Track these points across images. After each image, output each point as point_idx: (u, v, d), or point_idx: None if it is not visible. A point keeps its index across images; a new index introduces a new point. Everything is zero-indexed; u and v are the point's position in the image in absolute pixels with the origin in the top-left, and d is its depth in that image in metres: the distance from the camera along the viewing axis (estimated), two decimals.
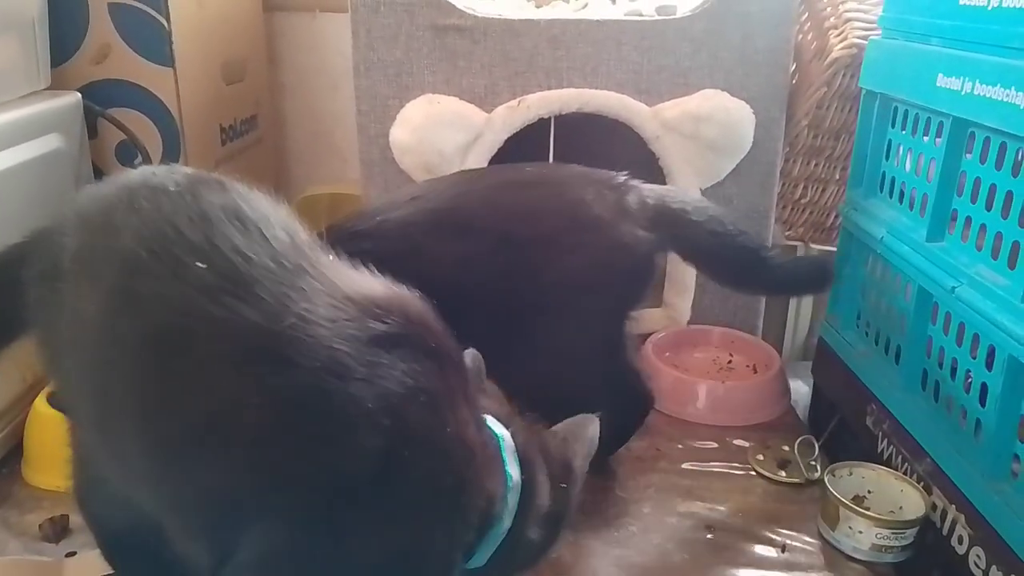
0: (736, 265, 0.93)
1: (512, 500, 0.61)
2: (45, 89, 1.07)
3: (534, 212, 0.86)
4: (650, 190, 0.91)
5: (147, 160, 1.15)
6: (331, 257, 0.61)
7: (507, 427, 0.64)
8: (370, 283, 0.61)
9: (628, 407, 0.95)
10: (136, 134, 1.15)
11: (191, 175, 0.63)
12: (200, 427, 0.53)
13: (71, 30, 1.12)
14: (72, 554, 0.81)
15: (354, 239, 0.80)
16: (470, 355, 0.68)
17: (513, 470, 0.62)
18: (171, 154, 1.18)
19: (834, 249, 1.15)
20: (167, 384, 0.54)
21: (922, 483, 0.85)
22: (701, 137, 1.15)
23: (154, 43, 1.13)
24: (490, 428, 0.63)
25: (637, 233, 0.86)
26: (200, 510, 0.56)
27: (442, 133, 1.12)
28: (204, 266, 0.54)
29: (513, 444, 0.63)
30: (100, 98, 1.13)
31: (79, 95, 1.09)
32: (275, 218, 0.60)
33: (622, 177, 0.92)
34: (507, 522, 0.61)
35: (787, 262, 0.96)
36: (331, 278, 0.58)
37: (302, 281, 0.56)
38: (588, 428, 0.71)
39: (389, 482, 0.53)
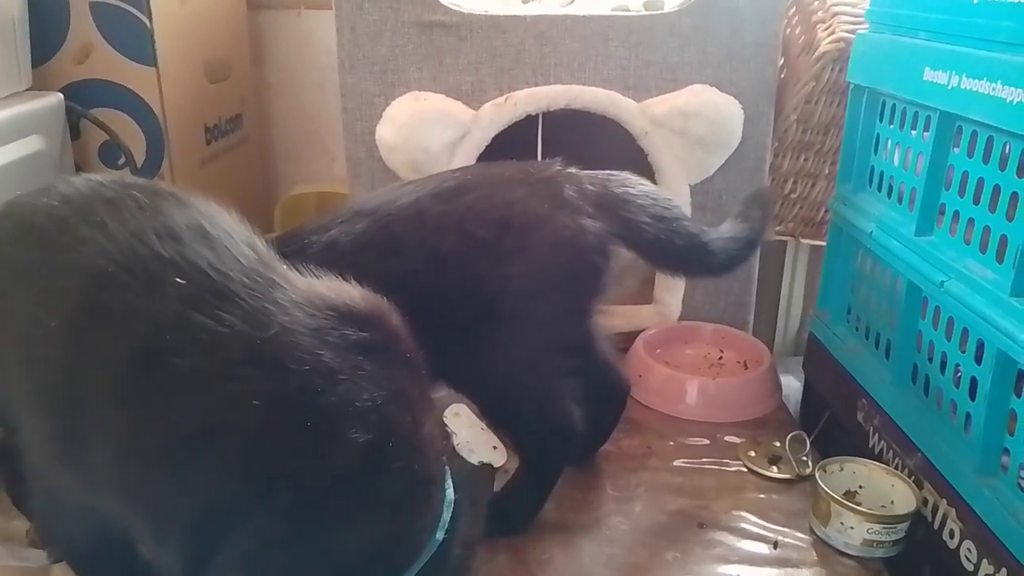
0: (680, 250, 0.89)
1: (446, 515, 0.64)
2: (26, 90, 1.06)
3: (461, 223, 0.80)
4: (589, 177, 0.87)
5: (130, 160, 1.14)
6: (289, 268, 0.63)
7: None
8: (345, 291, 0.62)
9: (605, 401, 0.95)
10: (119, 134, 1.14)
11: (147, 188, 0.62)
12: (192, 435, 0.54)
13: (52, 30, 1.11)
14: (59, 561, 0.80)
15: (302, 256, 0.72)
16: None
17: (448, 487, 0.65)
18: (155, 154, 1.17)
19: (824, 244, 1.15)
20: (155, 396, 0.55)
21: (913, 478, 0.85)
22: (690, 133, 1.14)
23: (136, 42, 1.12)
24: None
25: (580, 224, 0.81)
26: (183, 515, 0.56)
27: (428, 131, 1.11)
28: (183, 281, 0.55)
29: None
30: (82, 98, 1.13)
31: (61, 96, 1.08)
32: (237, 233, 0.62)
33: (556, 167, 0.87)
34: (440, 535, 0.63)
35: (724, 243, 0.92)
36: (304, 289, 0.60)
37: (277, 293, 0.58)
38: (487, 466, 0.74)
39: (375, 472, 0.57)
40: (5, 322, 0.59)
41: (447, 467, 0.66)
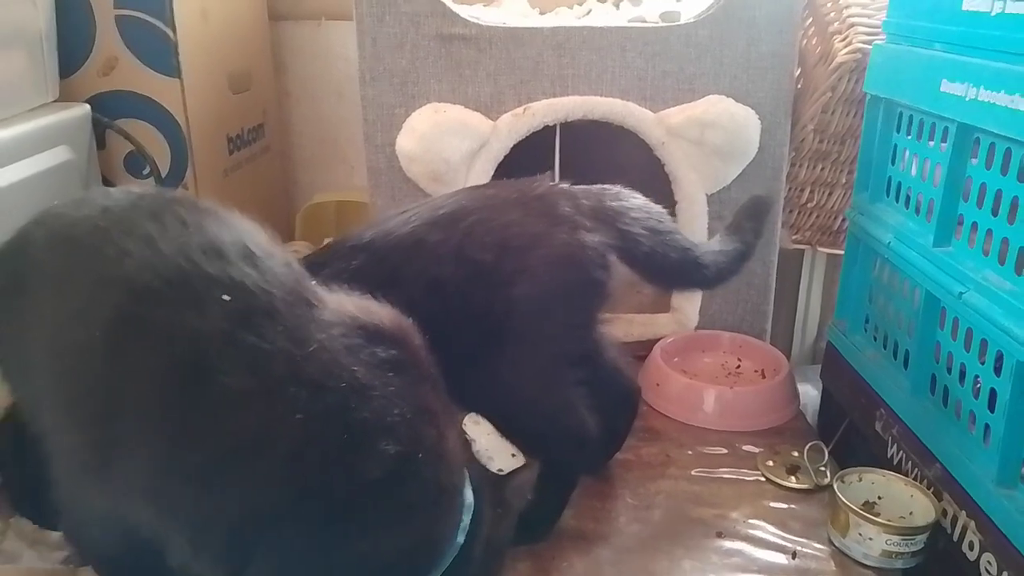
0: (674, 264, 0.89)
1: (466, 519, 0.65)
2: (54, 101, 1.08)
3: (460, 249, 0.80)
4: (584, 192, 0.87)
5: (155, 170, 1.16)
6: (319, 286, 0.65)
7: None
8: (373, 310, 0.64)
9: (616, 407, 0.95)
10: (144, 145, 1.16)
11: (188, 203, 0.63)
12: (234, 450, 0.56)
13: (78, 42, 1.13)
14: (85, 564, 0.82)
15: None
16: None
17: (467, 492, 0.67)
18: (179, 164, 1.19)
19: (842, 252, 1.15)
20: (197, 412, 0.56)
21: (932, 489, 0.85)
22: (707, 143, 1.15)
23: (160, 54, 1.14)
24: None
25: (579, 238, 0.82)
26: (221, 527, 0.58)
27: (448, 141, 1.12)
28: (227, 298, 0.57)
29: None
30: (108, 109, 1.14)
31: (88, 107, 1.10)
32: (275, 251, 0.63)
33: (548, 183, 0.87)
34: (460, 538, 0.65)
35: (715, 256, 0.93)
36: (335, 307, 0.62)
37: (313, 311, 0.60)
38: (524, 471, 0.75)
39: (404, 483, 0.59)
40: (38, 331, 0.60)
41: (467, 473, 0.67)
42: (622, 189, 0.90)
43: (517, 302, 0.79)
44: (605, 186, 0.89)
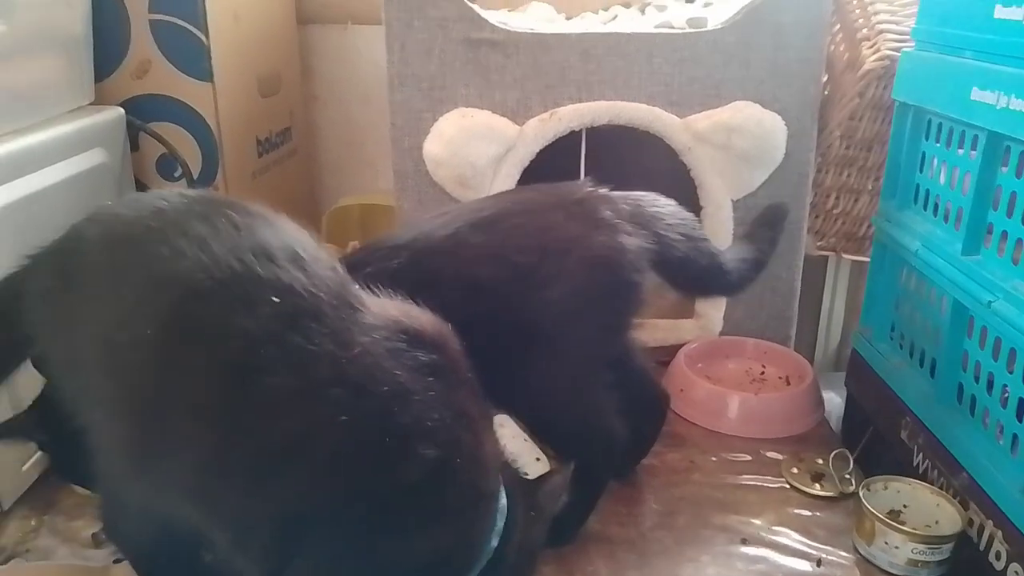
0: (703, 270, 0.90)
1: (500, 522, 0.66)
2: (89, 104, 1.10)
3: (500, 252, 0.81)
4: (622, 196, 0.88)
5: (187, 173, 1.18)
6: (361, 289, 0.66)
7: None
8: (414, 314, 0.66)
9: (645, 413, 0.96)
10: (176, 147, 1.17)
11: (238, 208, 0.64)
12: (279, 450, 0.57)
13: (113, 46, 1.15)
14: (119, 560, 0.83)
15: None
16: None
17: (501, 496, 0.67)
18: (209, 167, 1.20)
19: (867, 259, 1.15)
20: (245, 411, 0.57)
21: (958, 498, 0.84)
22: (733, 148, 1.15)
23: (193, 58, 1.16)
24: None
25: (619, 242, 0.82)
26: (265, 525, 0.59)
27: (475, 146, 1.13)
28: (278, 300, 0.57)
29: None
30: (141, 112, 1.16)
31: (122, 110, 1.12)
32: (321, 256, 0.64)
33: (587, 188, 0.88)
34: (494, 542, 0.66)
35: (736, 264, 0.93)
36: (378, 311, 0.63)
37: (357, 315, 0.61)
38: (556, 475, 0.75)
39: (443, 486, 0.60)
40: (90, 326, 0.61)
41: (500, 477, 0.68)
42: (658, 195, 0.91)
43: (555, 304, 0.80)
44: (640, 192, 0.90)
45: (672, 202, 0.92)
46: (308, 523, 0.58)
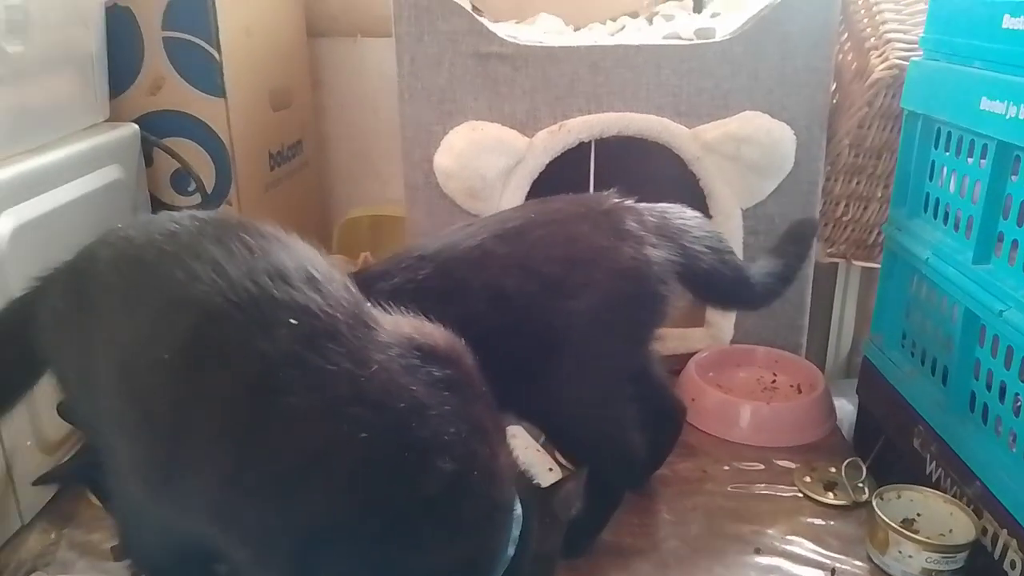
0: (728, 283, 0.91)
1: (515, 531, 0.67)
2: (104, 121, 1.11)
3: (526, 262, 0.81)
4: (648, 208, 0.88)
5: (201, 187, 1.19)
6: (374, 307, 0.67)
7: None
8: (427, 330, 0.66)
9: (661, 425, 0.96)
10: (190, 162, 1.19)
11: (251, 229, 0.65)
12: (299, 468, 0.58)
13: (127, 63, 1.16)
14: (137, 574, 0.84)
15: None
16: None
17: (516, 506, 0.68)
18: (223, 181, 1.21)
19: (877, 266, 1.15)
20: (264, 431, 0.58)
21: (972, 507, 0.84)
22: (742, 158, 1.16)
23: (206, 74, 1.17)
24: None
25: (645, 254, 0.83)
26: (284, 541, 0.60)
27: (484, 158, 1.14)
28: (294, 322, 0.58)
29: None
30: (155, 128, 1.18)
31: (136, 126, 1.14)
32: (335, 276, 0.65)
33: (613, 200, 0.88)
34: (510, 551, 0.67)
35: (763, 278, 0.94)
36: (392, 328, 0.64)
37: (371, 333, 0.62)
38: (569, 483, 0.75)
39: (459, 499, 0.61)
40: (106, 349, 0.62)
41: (515, 487, 0.69)
42: (683, 208, 0.91)
43: (580, 315, 0.80)
44: (666, 204, 0.91)
45: (697, 214, 0.92)
46: (328, 539, 0.59)
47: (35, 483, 0.88)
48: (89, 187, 1.00)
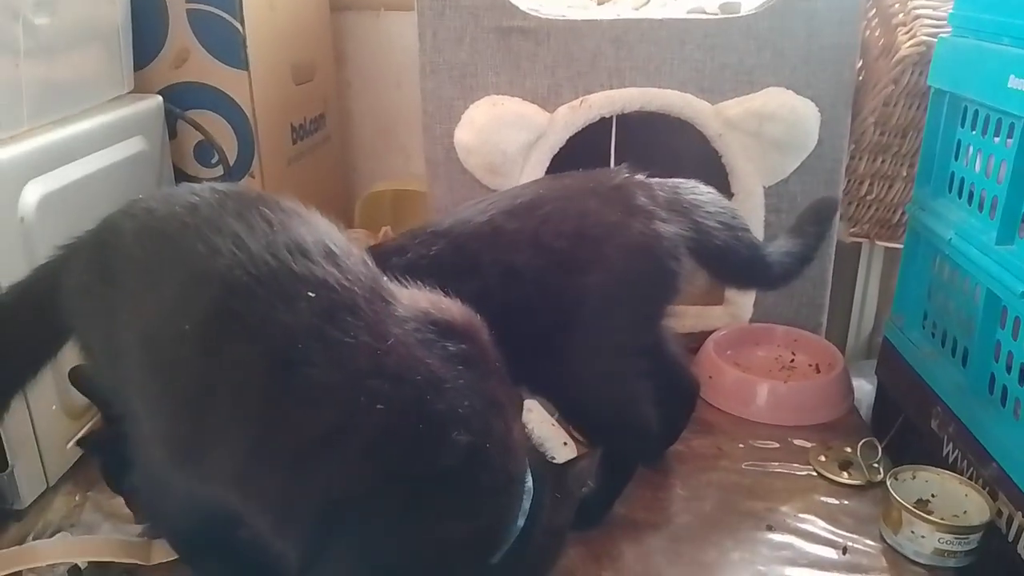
0: (743, 261, 0.90)
1: (526, 503, 0.68)
2: (129, 93, 1.12)
3: (536, 237, 0.81)
4: (660, 183, 0.87)
5: (223, 160, 1.20)
6: (391, 281, 0.67)
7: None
8: (444, 305, 0.67)
9: (676, 401, 0.96)
10: (213, 135, 1.20)
11: (271, 203, 0.65)
12: (320, 439, 0.59)
13: (152, 36, 1.17)
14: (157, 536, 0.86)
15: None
16: None
17: (527, 478, 0.69)
18: (245, 154, 1.22)
19: (900, 246, 1.14)
20: (287, 402, 0.59)
21: (987, 488, 0.84)
22: (765, 135, 1.15)
23: (230, 47, 1.18)
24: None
25: (655, 229, 0.82)
26: (305, 510, 0.61)
27: (505, 134, 1.14)
28: (313, 295, 0.59)
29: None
30: (179, 101, 1.19)
31: (160, 99, 1.15)
32: (353, 250, 0.66)
33: (624, 175, 0.87)
34: (520, 522, 0.67)
35: (780, 257, 0.93)
36: (409, 303, 0.65)
37: (389, 307, 0.63)
38: (583, 460, 0.76)
39: (474, 470, 0.62)
40: (130, 321, 0.63)
41: (527, 460, 0.70)
42: (697, 183, 0.90)
43: (590, 290, 0.80)
44: (679, 180, 0.90)
45: (712, 190, 0.91)
46: (345, 507, 0.60)
47: (77, 444, 0.90)
48: (114, 158, 1.02)
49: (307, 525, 0.61)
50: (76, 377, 0.87)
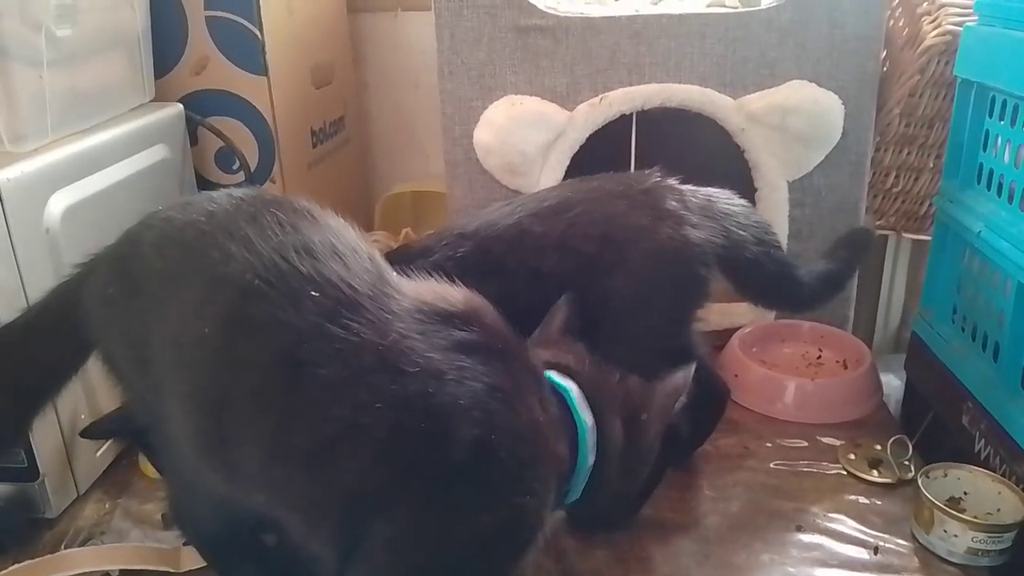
0: (771, 277, 0.88)
1: (591, 439, 0.69)
2: (150, 101, 1.13)
3: (563, 241, 0.81)
4: (692, 190, 0.87)
5: (245, 166, 1.21)
6: (397, 276, 0.69)
7: (578, 377, 0.72)
8: (446, 294, 0.68)
9: (704, 405, 0.94)
10: (234, 141, 1.20)
11: (284, 205, 0.67)
12: (330, 437, 0.60)
13: (172, 44, 1.18)
14: (188, 543, 0.87)
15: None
16: (559, 312, 0.78)
17: (585, 415, 0.70)
18: (266, 159, 1.23)
19: (928, 238, 1.12)
20: (297, 402, 0.60)
21: (1021, 486, 0.83)
22: (788, 129, 1.13)
23: (249, 53, 1.18)
24: (557, 385, 0.71)
25: (684, 234, 0.81)
26: (329, 509, 0.62)
27: (524, 133, 1.14)
28: (317, 295, 0.60)
29: (581, 392, 0.71)
30: (199, 108, 1.19)
31: (181, 106, 1.15)
32: (359, 248, 0.66)
33: (655, 178, 0.87)
34: (591, 458, 0.70)
35: (812, 280, 0.92)
36: (412, 296, 0.66)
37: (392, 302, 0.63)
38: (676, 375, 0.76)
39: (483, 463, 0.62)
40: (160, 327, 0.65)
41: (582, 395, 0.70)
42: (733, 194, 0.90)
43: (617, 293, 0.80)
44: (716, 188, 0.89)
45: (747, 203, 0.91)
46: (366, 508, 0.61)
47: (82, 435, 0.91)
48: (136, 167, 1.02)
49: (336, 523, 0.62)
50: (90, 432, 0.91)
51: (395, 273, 0.69)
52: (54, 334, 0.74)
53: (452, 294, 0.68)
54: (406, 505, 0.61)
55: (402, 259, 0.84)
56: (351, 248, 0.65)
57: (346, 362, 0.59)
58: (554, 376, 0.72)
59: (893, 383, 1.19)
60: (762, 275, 0.88)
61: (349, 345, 0.59)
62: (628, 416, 0.73)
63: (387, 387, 0.59)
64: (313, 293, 0.60)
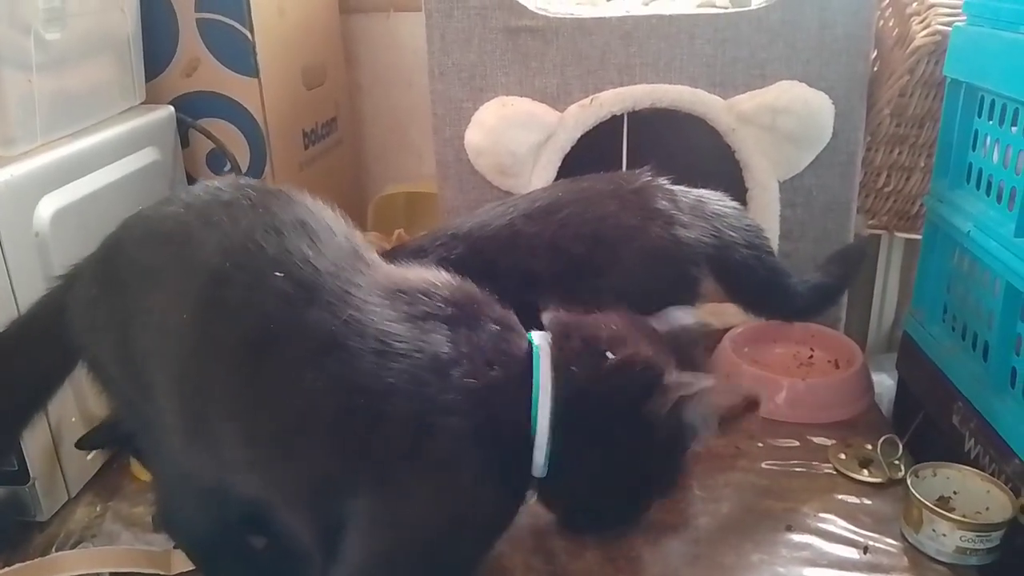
0: (761, 282, 0.88)
1: (543, 400, 0.64)
2: (141, 104, 1.13)
3: (554, 241, 0.81)
4: (683, 190, 0.87)
5: (236, 167, 1.21)
6: (384, 259, 0.69)
7: (560, 343, 0.67)
8: (414, 272, 0.67)
9: None
10: (225, 143, 1.20)
11: (260, 189, 0.68)
12: (293, 419, 0.60)
13: (162, 46, 1.18)
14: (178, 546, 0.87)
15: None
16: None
17: (544, 377, 0.64)
18: (258, 160, 1.23)
19: (920, 237, 1.13)
20: (262, 384, 0.61)
21: (1010, 485, 0.83)
22: (779, 129, 1.13)
23: (239, 55, 1.18)
24: (531, 343, 0.67)
25: (674, 234, 0.81)
26: (301, 488, 0.63)
27: (514, 134, 1.14)
28: (281, 275, 0.61)
29: (549, 352, 0.66)
30: (190, 110, 1.19)
31: (172, 108, 1.15)
32: (336, 227, 0.67)
33: (645, 178, 0.87)
34: (542, 421, 0.64)
35: (805, 290, 0.92)
36: (383, 272, 0.66)
37: (358, 278, 0.63)
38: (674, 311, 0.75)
39: (421, 441, 0.60)
40: (144, 318, 0.65)
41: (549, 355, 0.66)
42: (725, 196, 0.90)
43: (608, 293, 0.79)
44: (708, 190, 0.90)
45: (739, 206, 0.91)
46: (336, 488, 0.61)
47: (77, 446, 0.91)
48: (127, 169, 1.02)
49: (310, 506, 0.63)
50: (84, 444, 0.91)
51: (374, 252, 0.69)
52: (41, 344, 0.75)
53: (427, 275, 0.67)
54: (365, 488, 0.61)
55: (399, 257, 0.85)
56: (325, 226, 0.66)
57: (301, 343, 0.60)
58: (534, 337, 0.68)
59: (886, 383, 1.19)
60: (752, 279, 0.88)
61: (302, 327, 0.60)
62: (616, 386, 0.66)
63: (334, 367, 0.59)
64: (277, 274, 0.60)
